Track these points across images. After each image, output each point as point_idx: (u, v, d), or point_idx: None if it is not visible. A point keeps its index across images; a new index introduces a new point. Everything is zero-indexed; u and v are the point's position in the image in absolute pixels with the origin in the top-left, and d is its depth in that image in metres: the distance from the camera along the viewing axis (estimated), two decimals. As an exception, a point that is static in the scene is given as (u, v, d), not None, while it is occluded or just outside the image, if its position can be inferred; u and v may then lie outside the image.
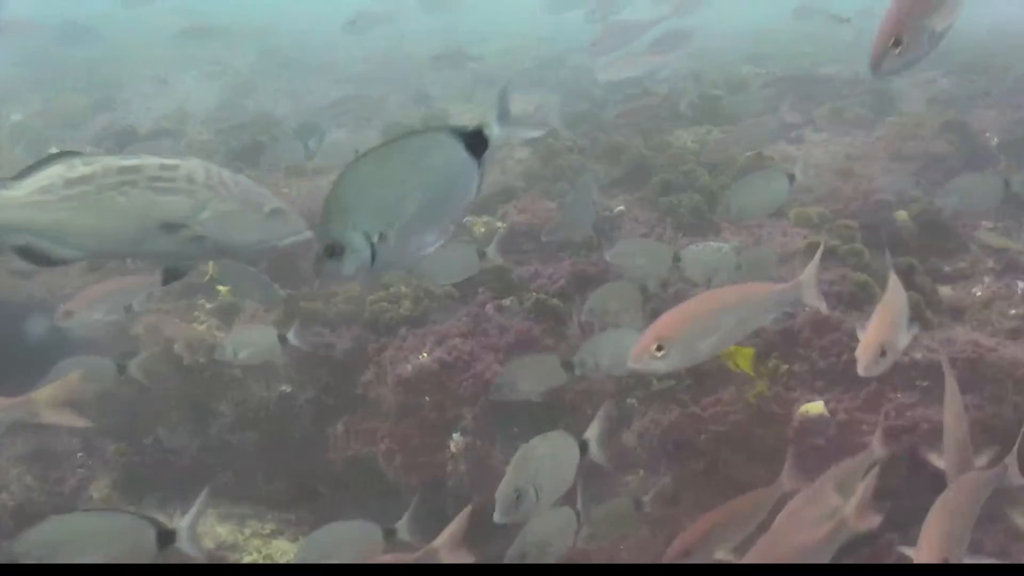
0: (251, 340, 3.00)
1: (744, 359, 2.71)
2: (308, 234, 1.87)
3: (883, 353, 2.05)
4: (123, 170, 1.77)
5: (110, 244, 1.81)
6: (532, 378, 2.61)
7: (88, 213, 1.76)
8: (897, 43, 1.81)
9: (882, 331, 2.10)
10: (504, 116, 1.65)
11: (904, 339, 2.16)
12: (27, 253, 1.81)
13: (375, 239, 1.53)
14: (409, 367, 3.02)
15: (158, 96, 7.63)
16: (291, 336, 2.97)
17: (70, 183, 1.76)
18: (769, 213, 3.26)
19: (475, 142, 1.61)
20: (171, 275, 1.94)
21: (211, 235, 1.80)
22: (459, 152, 1.61)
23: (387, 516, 3.18)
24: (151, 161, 1.78)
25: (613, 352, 2.50)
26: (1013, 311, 3.02)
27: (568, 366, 2.56)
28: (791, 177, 2.94)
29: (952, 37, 5.58)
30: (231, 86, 8.01)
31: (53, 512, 3.17)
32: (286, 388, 3.39)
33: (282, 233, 1.88)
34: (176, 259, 1.89)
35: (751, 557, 1.81)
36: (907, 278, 3.03)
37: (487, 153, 1.63)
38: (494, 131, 1.63)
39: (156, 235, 1.78)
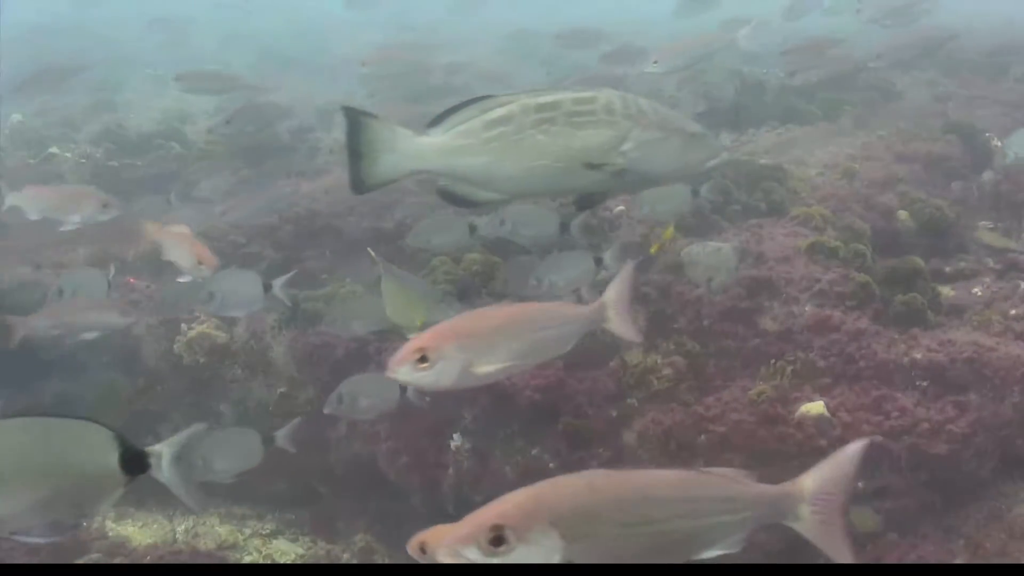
0: (81, 282, 3.05)
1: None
2: (727, 155, 1.85)
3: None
4: (541, 107, 1.73)
5: (531, 183, 1.79)
6: None
7: (509, 154, 1.74)
8: (424, 359, 1.80)
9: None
10: (178, 458, 1.52)
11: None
12: (449, 196, 1.81)
13: None
14: (409, 367, 3.01)
15: (157, 96, 7.64)
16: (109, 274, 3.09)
17: (489, 125, 1.74)
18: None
19: (135, 460, 1.48)
20: (585, 203, 1.92)
21: (633, 166, 1.76)
22: (108, 460, 1.45)
23: (388, 516, 3.19)
24: (567, 96, 1.75)
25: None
26: (1014, 311, 3.02)
27: None
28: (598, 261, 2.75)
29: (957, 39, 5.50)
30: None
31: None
32: (282, 390, 3.39)
33: (703, 157, 1.83)
34: (595, 191, 1.85)
35: None
36: (910, 282, 3.03)
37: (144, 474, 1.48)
38: (162, 469, 1.50)
39: (577, 171, 1.75)
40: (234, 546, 3.09)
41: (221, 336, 3.44)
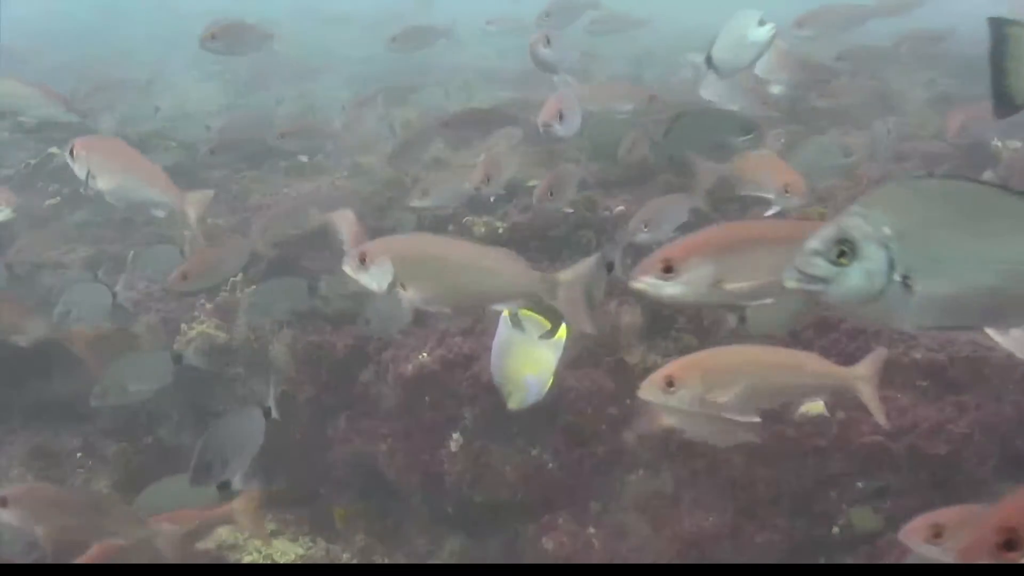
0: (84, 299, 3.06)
1: None
2: None
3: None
4: None
5: None
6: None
7: None
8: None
9: None
10: None
11: None
12: None
13: None
14: (410, 366, 3.02)
15: (157, 97, 7.62)
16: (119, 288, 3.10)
17: None
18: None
19: None
20: None
21: None
22: None
23: (388, 515, 3.20)
24: None
25: None
26: (1013, 311, 3.02)
27: None
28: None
29: (952, 38, 5.53)
30: (232, 86, 8.02)
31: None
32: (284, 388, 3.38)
33: None
34: None
35: None
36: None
37: None
38: None
39: None
40: (234, 546, 3.09)
41: (221, 336, 3.44)
